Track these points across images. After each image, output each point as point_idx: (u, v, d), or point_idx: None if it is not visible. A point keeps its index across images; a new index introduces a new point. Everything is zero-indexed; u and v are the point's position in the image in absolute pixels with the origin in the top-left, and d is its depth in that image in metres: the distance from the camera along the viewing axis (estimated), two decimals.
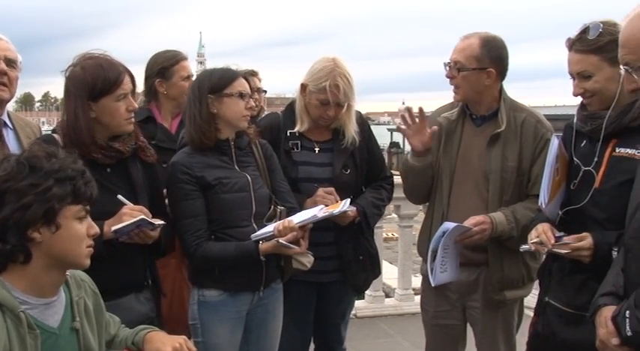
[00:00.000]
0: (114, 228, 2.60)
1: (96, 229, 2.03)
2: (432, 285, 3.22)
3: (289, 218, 3.02)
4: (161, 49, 4.04)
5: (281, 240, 2.93)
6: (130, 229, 2.63)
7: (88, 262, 2.03)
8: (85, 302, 2.12)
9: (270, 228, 3.01)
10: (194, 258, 3.02)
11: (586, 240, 2.58)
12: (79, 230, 1.97)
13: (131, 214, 2.63)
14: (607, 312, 2.22)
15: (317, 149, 3.50)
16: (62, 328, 2.02)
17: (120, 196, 2.68)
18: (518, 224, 3.13)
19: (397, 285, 6.80)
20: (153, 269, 2.97)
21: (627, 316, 2.08)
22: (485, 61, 3.20)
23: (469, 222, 3.14)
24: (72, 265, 2.03)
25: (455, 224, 3.10)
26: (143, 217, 2.62)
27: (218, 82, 3.06)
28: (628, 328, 2.07)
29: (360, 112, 3.61)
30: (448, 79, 3.30)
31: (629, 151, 2.59)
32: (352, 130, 3.48)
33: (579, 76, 2.68)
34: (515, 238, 3.12)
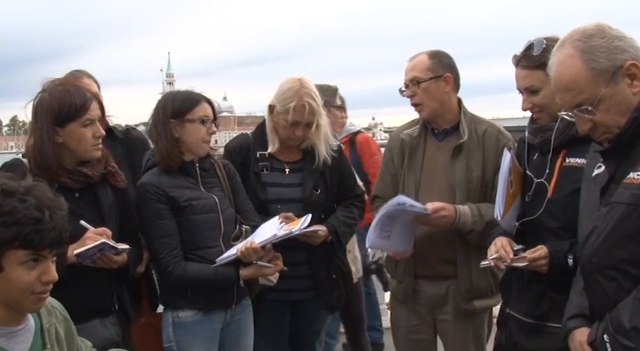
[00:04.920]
0: (76, 251, 2.59)
1: (50, 277, 1.90)
2: (366, 246, 3.38)
3: (250, 239, 3.05)
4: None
5: (260, 262, 2.99)
6: (93, 253, 2.62)
7: (35, 307, 1.95)
8: (56, 329, 2.10)
9: (232, 251, 3.03)
10: (170, 278, 3.01)
11: (541, 250, 2.64)
12: (22, 277, 1.86)
13: (94, 238, 2.63)
14: (580, 336, 2.24)
15: (287, 170, 3.52)
16: None
17: (82, 222, 2.67)
18: (482, 219, 3.18)
19: None
20: (121, 294, 2.95)
21: (607, 340, 2.08)
22: (440, 69, 3.31)
23: (430, 206, 3.17)
24: (17, 309, 1.93)
25: (410, 202, 3.15)
26: (104, 240, 2.62)
27: (180, 106, 3.07)
28: None
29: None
30: (409, 99, 3.35)
31: (578, 160, 2.67)
32: (323, 149, 3.51)
33: (527, 91, 2.76)
34: (477, 233, 3.19)
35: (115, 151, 3.45)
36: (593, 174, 2.29)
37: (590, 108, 2.11)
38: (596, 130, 2.17)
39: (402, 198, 3.19)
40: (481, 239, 3.05)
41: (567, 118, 2.23)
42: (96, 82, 3.75)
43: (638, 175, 2.07)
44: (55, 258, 1.94)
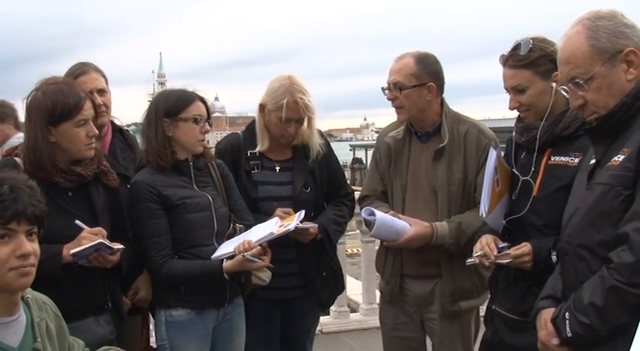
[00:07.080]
0: (72, 251, 2.61)
1: (22, 250, 1.91)
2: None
3: (247, 237, 3.06)
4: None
5: (247, 255, 2.95)
6: (89, 252, 2.64)
7: (20, 283, 1.95)
8: (47, 324, 2.12)
9: (230, 248, 3.04)
10: (158, 276, 3.04)
11: (525, 247, 2.70)
12: None
13: (90, 237, 2.64)
14: (546, 314, 2.33)
15: (278, 168, 3.55)
16: (23, 349, 2.01)
17: (77, 221, 2.68)
18: (464, 234, 3.21)
19: (362, 300, 6.86)
20: (114, 292, 2.97)
21: (567, 317, 2.17)
22: (424, 77, 3.29)
23: (404, 236, 3.24)
24: (5, 289, 1.95)
25: (383, 220, 3.23)
26: (101, 241, 2.64)
27: (174, 105, 3.08)
28: (568, 329, 2.16)
29: (319, 130, 3.68)
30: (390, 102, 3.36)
31: (562, 158, 2.73)
32: (316, 143, 3.55)
33: (514, 90, 2.80)
34: (457, 247, 3.23)
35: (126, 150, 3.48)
36: (590, 163, 2.35)
37: (581, 82, 2.19)
38: (586, 108, 2.24)
39: (371, 211, 3.26)
40: (462, 251, 3.10)
41: (564, 92, 2.31)
42: (104, 76, 3.57)
43: (618, 157, 2.14)
44: (32, 234, 1.95)
